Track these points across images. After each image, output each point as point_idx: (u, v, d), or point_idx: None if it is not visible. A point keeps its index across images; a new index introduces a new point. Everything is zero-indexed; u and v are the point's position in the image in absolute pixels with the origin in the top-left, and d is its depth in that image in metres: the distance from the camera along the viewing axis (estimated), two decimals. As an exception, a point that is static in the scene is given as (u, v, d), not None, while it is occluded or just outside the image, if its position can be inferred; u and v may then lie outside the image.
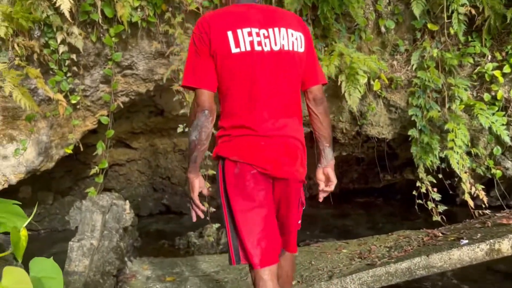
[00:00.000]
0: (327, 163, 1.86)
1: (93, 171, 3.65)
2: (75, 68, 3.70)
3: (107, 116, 3.88)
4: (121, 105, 3.93)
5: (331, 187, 1.86)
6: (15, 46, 3.39)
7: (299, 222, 1.86)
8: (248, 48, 1.57)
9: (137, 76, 4.23)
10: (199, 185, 1.76)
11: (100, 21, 3.54)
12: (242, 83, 1.61)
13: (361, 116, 4.85)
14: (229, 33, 1.56)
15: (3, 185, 4.25)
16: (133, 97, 4.47)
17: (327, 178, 1.86)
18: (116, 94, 4.20)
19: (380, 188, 6.51)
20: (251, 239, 1.59)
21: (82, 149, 3.87)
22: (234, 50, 1.57)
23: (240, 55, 1.58)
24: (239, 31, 1.57)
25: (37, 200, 5.61)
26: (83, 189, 6.10)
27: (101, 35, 3.72)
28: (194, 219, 1.80)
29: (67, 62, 3.58)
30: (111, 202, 3.48)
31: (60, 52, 3.47)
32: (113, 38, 3.62)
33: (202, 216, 1.78)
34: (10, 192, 5.17)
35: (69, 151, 3.82)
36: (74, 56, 3.57)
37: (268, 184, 1.65)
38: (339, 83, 4.35)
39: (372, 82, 4.55)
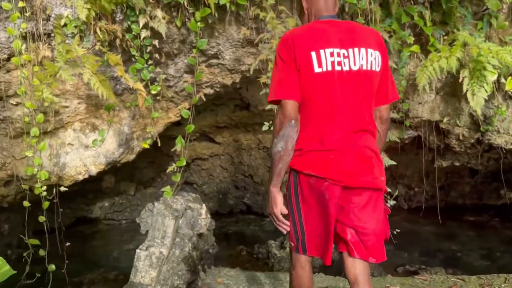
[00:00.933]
0: None
1: (170, 168, 3.33)
2: (156, 56, 3.39)
3: (188, 109, 3.54)
4: (203, 98, 3.56)
5: None
6: (97, 30, 3.15)
7: (387, 232, 1.83)
8: (329, 68, 1.66)
9: (223, 66, 3.83)
10: (281, 200, 1.76)
11: (186, 4, 3.17)
12: (320, 99, 1.68)
13: (485, 121, 3.95)
14: (313, 54, 1.66)
15: (83, 175, 4.15)
16: (218, 89, 4.09)
17: None
18: (200, 85, 3.84)
19: (497, 206, 5.45)
20: (311, 236, 1.73)
21: (159, 144, 3.58)
22: (316, 69, 1.65)
23: (321, 74, 1.66)
24: (321, 51, 1.66)
25: (120, 190, 5.57)
26: (165, 181, 5.97)
27: (186, 19, 3.36)
28: (285, 232, 1.81)
29: (149, 48, 3.28)
30: (185, 206, 3.12)
31: (141, 37, 3.17)
32: (198, 23, 3.23)
33: (288, 229, 1.79)
34: (94, 181, 5.16)
35: (146, 145, 3.55)
36: (156, 42, 3.26)
37: (339, 194, 1.69)
38: (460, 80, 3.54)
39: (503, 79, 3.65)
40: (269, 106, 5.13)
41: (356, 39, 1.72)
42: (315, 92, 1.68)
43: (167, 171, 3.34)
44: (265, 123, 3.60)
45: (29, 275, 3.49)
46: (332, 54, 1.66)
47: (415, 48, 3.50)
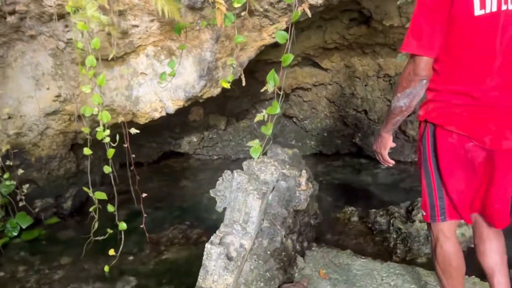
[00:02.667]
0: None
1: (258, 117, 2.36)
2: None
3: (286, 30, 2.43)
4: (308, 12, 2.39)
5: None
6: None
7: None
8: (494, 8, 1.40)
9: (339, -40, 2.56)
10: (391, 144, 1.75)
11: None
12: (475, 48, 1.45)
13: None
14: None
15: (160, 112, 3.40)
16: (328, -3, 2.87)
17: None
18: (304, -8, 2.65)
19: None
20: (452, 196, 1.60)
21: (244, 83, 2.59)
22: (478, 12, 1.40)
23: (482, 18, 1.41)
24: None
25: (208, 124, 4.82)
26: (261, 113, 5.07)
27: None
28: (391, 165, 1.80)
29: None
30: (278, 175, 2.18)
31: None
32: None
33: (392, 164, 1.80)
34: (180, 113, 4.46)
35: (225, 84, 2.57)
36: None
37: (484, 156, 1.54)
38: None
39: None
40: (398, 21, 3.72)
41: None
42: (470, 39, 1.44)
43: (255, 120, 2.37)
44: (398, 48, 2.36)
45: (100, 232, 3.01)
46: None
47: None
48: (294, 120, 5.07)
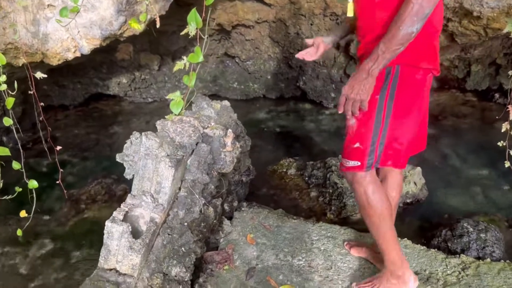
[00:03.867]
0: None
1: (178, 66, 2.00)
2: None
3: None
4: None
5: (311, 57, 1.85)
6: None
7: None
8: None
9: None
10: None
11: None
12: None
13: None
14: None
15: (73, 52, 2.94)
16: None
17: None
18: None
19: None
20: (396, 142, 1.56)
21: (158, 25, 2.20)
22: None
23: None
24: None
25: (140, 64, 4.35)
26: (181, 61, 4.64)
27: None
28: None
29: None
30: (198, 137, 1.89)
31: None
32: None
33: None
34: (106, 51, 3.95)
35: (136, 25, 2.16)
36: None
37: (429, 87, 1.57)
38: None
39: None
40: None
41: None
42: None
43: (174, 69, 2.02)
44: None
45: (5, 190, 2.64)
46: None
47: None
48: (237, 60, 4.69)
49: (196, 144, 1.88)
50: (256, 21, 4.24)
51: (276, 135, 4.05)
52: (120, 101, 4.76)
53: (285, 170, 3.20)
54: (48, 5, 2.75)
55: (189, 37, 2.01)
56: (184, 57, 2.06)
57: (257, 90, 4.77)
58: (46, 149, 2.81)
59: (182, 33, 2.08)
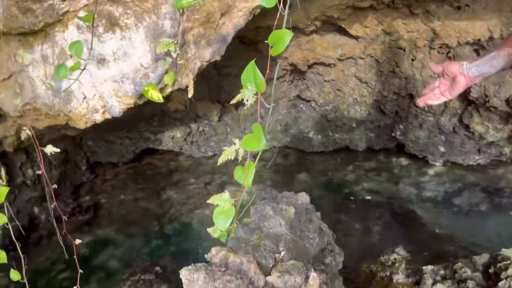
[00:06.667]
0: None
1: (224, 155, 1.17)
2: None
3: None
4: None
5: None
6: None
7: None
8: None
9: None
10: None
11: None
12: None
13: None
14: None
15: (102, 113, 2.28)
16: None
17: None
18: None
19: None
20: None
21: (191, 94, 1.40)
22: None
23: None
24: None
25: (197, 114, 3.65)
26: (267, 96, 3.85)
27: None
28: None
29: None
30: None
31: None
32: None
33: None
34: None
35: (155, 93, 1.38)
36: None
37: None
38: None
39: None
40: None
41: None
42: None
43: (219, 161, 1.20)
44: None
45: None
46: None
47: None
48: (313, 104, 3.82)
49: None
50: (338, 58, 3.36)
51: (366, 206, 3.08)
52: (177, 155, 4.10)
53: (388, 273, 2.20)
54: (71, 54, 2.12)
55: (245, 106, 1.18)
56: (237, 141, 1.23)
57: (339, 140, 3.84)
58: (61, 245, 2.11)
59: (232, 101, 1.25)
